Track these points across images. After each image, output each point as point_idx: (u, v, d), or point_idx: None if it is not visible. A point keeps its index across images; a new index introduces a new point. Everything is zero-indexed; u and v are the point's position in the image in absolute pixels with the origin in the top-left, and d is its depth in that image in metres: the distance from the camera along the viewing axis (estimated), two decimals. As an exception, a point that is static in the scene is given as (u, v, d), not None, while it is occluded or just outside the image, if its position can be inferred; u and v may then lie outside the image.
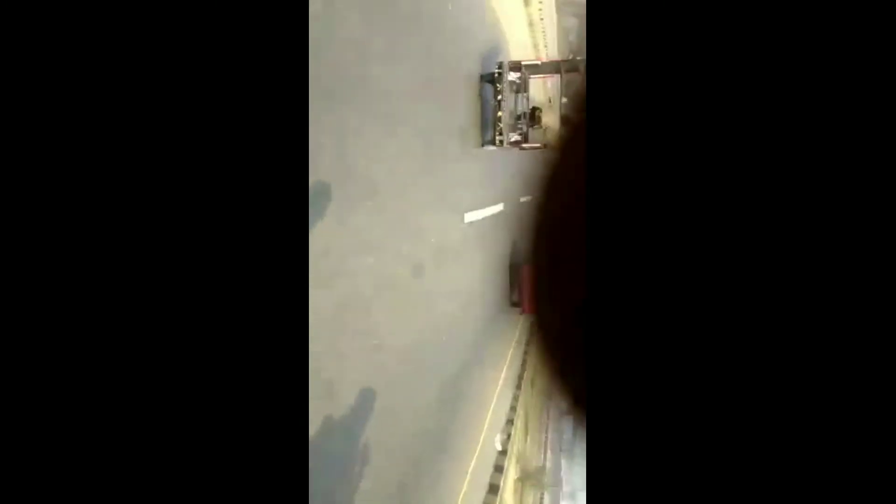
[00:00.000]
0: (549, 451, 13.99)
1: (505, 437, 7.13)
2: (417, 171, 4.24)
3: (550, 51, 14.04)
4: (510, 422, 8.14)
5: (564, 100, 6.17)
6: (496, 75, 6.11)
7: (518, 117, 6.34)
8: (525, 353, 9.36)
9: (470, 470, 5.82)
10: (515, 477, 8.49)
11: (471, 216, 5.78)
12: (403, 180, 3.91)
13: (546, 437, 13.86)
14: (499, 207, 6.81)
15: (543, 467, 13.04)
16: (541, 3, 12.27)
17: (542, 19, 12.66)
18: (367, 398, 3.26)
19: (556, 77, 6.23)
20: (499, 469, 7.15)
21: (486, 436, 6.68)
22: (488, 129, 6.31)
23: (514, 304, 8.03)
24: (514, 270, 7.92)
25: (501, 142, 6.16)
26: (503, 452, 7.01)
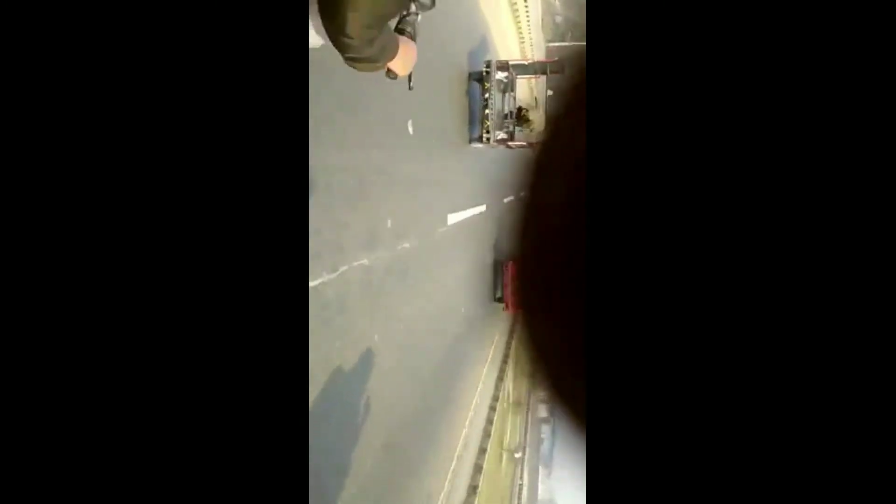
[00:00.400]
0: (524, 471, 14.03)
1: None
2: (407, 168, 4.38)
3: (535, 37, 14.07)
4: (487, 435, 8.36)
5: (550, 92, 6.39)
6: (484, 74, 6.28)
7: (505, 116, 6.56)
8: (507, 346, 9.69)
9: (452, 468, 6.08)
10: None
11: (456, 215, 5.98)
12: (392, 177, 4.03)
13: (523, 454, 13.93)
14: (481, 208, 7.02)
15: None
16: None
17: (525, 2, 12.71)
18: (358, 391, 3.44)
19: (543, 77, 6.45)
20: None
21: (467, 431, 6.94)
22: (475, 126, 6.50)
23: (498, 300, 8.37)
24: (498, 267, 8.23)
25: (488, 139, 6.37)
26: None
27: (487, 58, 6.62)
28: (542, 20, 16.20)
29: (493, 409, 8.71)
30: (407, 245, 4.23)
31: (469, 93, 6.42)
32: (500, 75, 6.35)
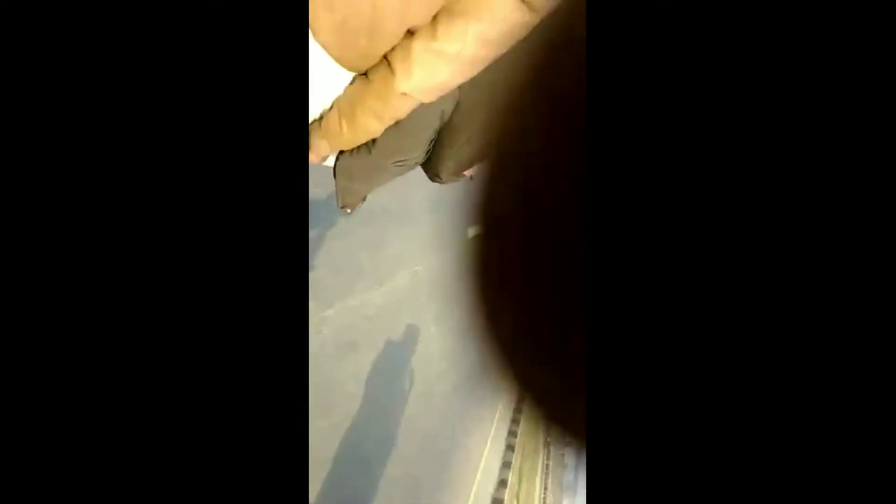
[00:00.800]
0: (548, 490, 13.65)
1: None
2: (420, 192, 4.32)
3: None
4: (509, 457, 7.98)
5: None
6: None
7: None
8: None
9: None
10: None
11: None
12: (406, 201, 3.94)
13: (546, 476, 13.48)
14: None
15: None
16: None
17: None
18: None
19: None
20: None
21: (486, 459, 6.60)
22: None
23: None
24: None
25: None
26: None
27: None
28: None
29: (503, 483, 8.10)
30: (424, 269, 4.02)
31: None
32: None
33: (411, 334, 4.05)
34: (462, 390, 5.52)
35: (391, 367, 3.67)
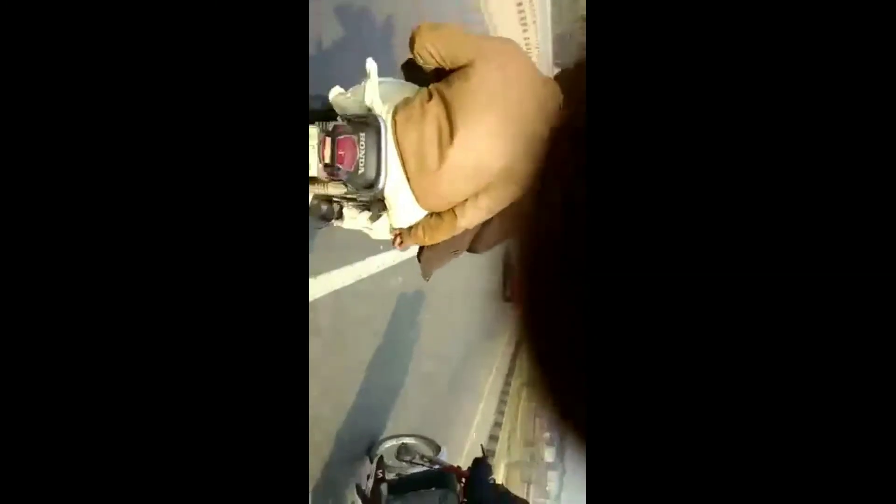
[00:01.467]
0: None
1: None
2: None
3: (539, 24, 13.83)
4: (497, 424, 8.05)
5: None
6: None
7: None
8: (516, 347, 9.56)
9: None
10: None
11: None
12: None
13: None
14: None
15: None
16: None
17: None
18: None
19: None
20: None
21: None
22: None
23: (507, 300, 8.40)
24: (507, 267, 8.26)
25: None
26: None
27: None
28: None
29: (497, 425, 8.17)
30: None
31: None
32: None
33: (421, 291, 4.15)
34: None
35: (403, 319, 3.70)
